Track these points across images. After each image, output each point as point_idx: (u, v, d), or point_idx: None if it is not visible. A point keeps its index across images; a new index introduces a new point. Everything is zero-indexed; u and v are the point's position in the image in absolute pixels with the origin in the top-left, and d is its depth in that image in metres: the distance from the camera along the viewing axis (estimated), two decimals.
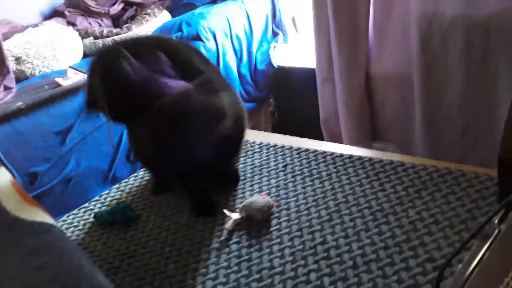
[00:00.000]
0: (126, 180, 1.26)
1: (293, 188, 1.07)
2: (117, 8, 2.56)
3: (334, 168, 1.10)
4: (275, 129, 2.29)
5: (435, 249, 0.82)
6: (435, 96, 1.53)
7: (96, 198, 1.21)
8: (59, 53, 2.21)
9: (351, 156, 1.13)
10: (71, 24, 2.45)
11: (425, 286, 0.75)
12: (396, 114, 1.70)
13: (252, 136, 1.35)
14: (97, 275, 0.60)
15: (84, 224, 1.11)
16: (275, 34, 2.45)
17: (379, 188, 1.00)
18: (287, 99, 2.23)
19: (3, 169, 0.83)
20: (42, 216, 0.66)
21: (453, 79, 1.49)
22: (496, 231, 0.54)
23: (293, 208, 1.01)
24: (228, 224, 1.00)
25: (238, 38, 2.20)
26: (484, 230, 0.58)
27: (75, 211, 1.18)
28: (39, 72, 2.17)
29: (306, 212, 0.99)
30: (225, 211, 1.03)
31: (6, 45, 2.17)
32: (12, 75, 2.07)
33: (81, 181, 1.78)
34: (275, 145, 1.28)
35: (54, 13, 2.58)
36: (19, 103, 1.81)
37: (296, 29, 2.60)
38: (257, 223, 0.99)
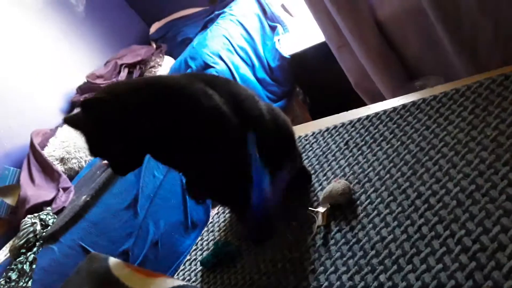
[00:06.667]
0: (211, 220, 1.30)
1: (365, 159, 1.08)
2: (123, 75, 2.65)
3: (393, 123, 1.10)
4: (314, 114, 2.29)
5: None
6: (451, 7, 1.48)
7: (194, 247, 1.26)
8: None
9: (404, 106, 1.12)
10: None
11: None
12: (421, 44, 1.67)
13: (299, 131, 1.36)
14: None
15: (196, 275, 1.16)
16: (273, 29, 2.46)
17: (446, 123, 1.00)
18: (312, 81, 2.23)
19: (111, 258, 0.88)
20: (171, 282, 0.71)
21: None
22: None
23: (375, 177, 1.01)
24: (319, 220, 1.01)
25: (242, 48, 2.23)
26: None
27: (181, 267, 1.23)
28: (85, 162, 2.28)
29: (388, 176, 0.99)
30: (310, 209, 1.04)
31: (46, 152, 2.29)
32: (64, 176, 2.19)
33: (167, 239, 1.85)
34: (326, 129, 1.29)
35: (72, 105, 2.70)
36: (83, 197, 1.91)
37: (290, 14, 2.60)
38: (346, 207, 1.00)
